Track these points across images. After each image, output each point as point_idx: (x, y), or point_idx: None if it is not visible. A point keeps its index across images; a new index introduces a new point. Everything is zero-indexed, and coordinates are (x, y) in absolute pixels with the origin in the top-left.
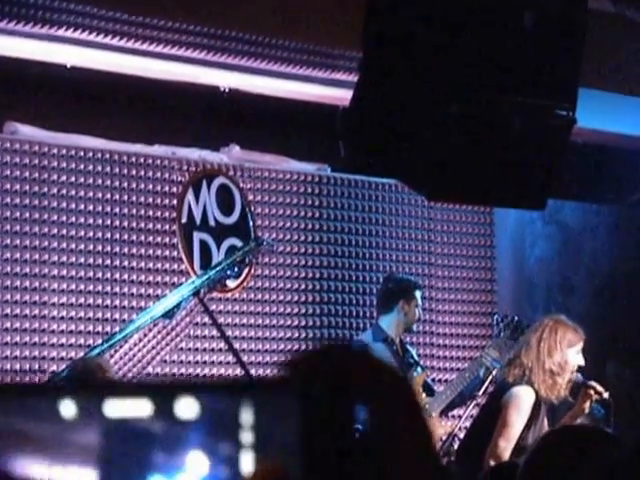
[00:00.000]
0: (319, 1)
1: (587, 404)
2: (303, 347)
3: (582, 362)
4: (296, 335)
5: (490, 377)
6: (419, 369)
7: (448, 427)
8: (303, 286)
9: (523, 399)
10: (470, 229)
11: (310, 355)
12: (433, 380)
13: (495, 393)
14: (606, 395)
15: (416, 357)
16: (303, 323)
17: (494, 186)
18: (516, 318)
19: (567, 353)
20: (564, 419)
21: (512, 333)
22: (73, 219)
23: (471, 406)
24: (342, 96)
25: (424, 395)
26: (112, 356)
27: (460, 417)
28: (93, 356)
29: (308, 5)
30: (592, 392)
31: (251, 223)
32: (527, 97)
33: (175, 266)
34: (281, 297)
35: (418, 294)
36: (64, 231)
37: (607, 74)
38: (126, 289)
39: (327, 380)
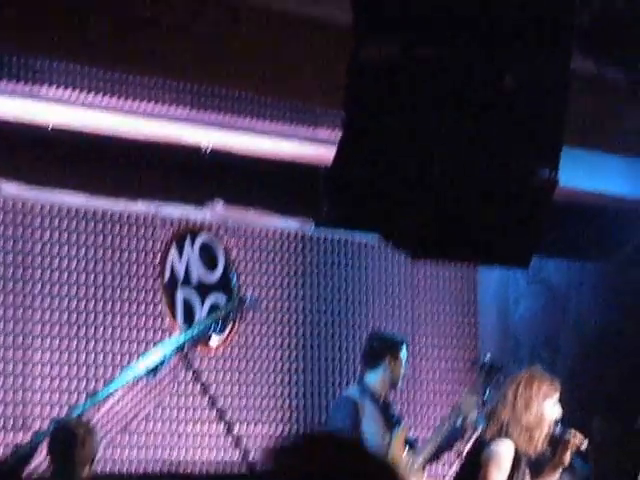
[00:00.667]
0: (301, 58)
1: (567, 455)
2: (285, 404)
3: (559, 414)
4: (280, 392)
5: (469, 425)
6: (400, 425)
7: None
8: (287, 343)
9: (502, 455)
10: (454, 285)
11: (293, 447)
12: (416, 439)
13: (474, 450)
14: (585, 446)
15: (396, 413)
16: (287, 379)
17: (478, 245)
18: (487, 360)
19: (544, 406)
20: (546, 471)
21: (487, 376)
22: (56, 277)
23: (456, 463)
24: (325, 153)
25: (407, 450)
26: (95, 413)
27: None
28: (75, 417)
29: (290, 62)
30: (571, 443)
31: (234, 280)
32: (510, 158)
33: (158, 323)
34: (265, 354)
35: (404, 351)
36: (47, 289)
37: (589, 133)
38: (109, 346)
39: (313, 473)
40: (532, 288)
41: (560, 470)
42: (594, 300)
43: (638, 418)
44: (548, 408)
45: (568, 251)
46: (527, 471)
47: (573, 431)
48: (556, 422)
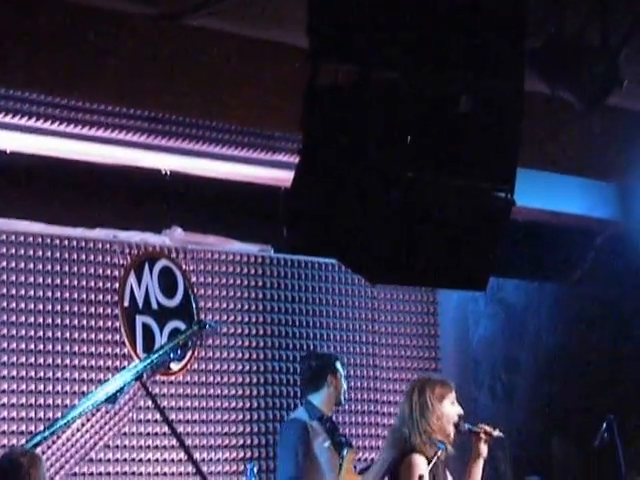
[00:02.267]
0: (259, 84)
1: (482, 446)
2: (246, 429)
3: (461, 411)
4: (240, 417)
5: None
6: (351, 447)
7: None
8: (247, 367)
9: (413, 468)
10: (413, 308)
11: None
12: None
13: (390, 467)
14: (497, 433)
15: (343, 436)
16: (247, 405)
17: (435, 268)
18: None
19: (442, 407)
20: (469, 466)
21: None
22: (13, 305)
23: None
24: (284, 177)
25: (357, 473)
26: (54, 442)
27: None
28: (20, 447)
29: (248, 88)
30: (482, 435)
31: (194, 305)
32: (466, 179)
33: (117, 350)
34: (225, 379)
35: (339, 365)
36: (4, 317)
37: (544, 154)
38: (68, 374)
39: None
40: (491, 308)
41: (481, 461)
42: (552, 319)
43: (597, 437)
44: (447, 407)
45: (525, 271)
46: (447, 473)
47: (480, 424)
48: (460, 417)
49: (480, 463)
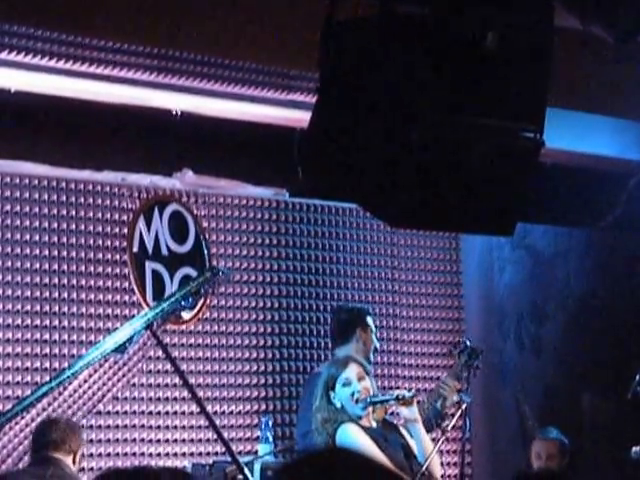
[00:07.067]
0: (274, 21)
1: (405, 412)
2: (261, 381)
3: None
4: (254, 368)
5: (453, 407)
6: None
7: None
8: (261, 316)
9: (352, 438)
10: (435, 255)
11: (298, 464)
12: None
13: None
14: (408, 394)
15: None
16: (262, 355)
17: (459, 212)
18: (469, 344)
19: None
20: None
21: (467, 360)
22: (18, 250)
23: (440, 441)
24: (300, 118)
25: None
26: (61, 393)
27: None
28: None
29: (262, 25)
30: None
31: (206, 251)
32: (492, 119)
33: (126, 298)
34: (238, 329)
35: (371, 321)
36: (8, 263)
37: (575, 93)
38: (75, 323)
39: None
40: (517, 255)
41: (416, 424)
42: (582, 267)
43: (629, 389)
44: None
45: (554, 216)
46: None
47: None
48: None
49: (417, 427)
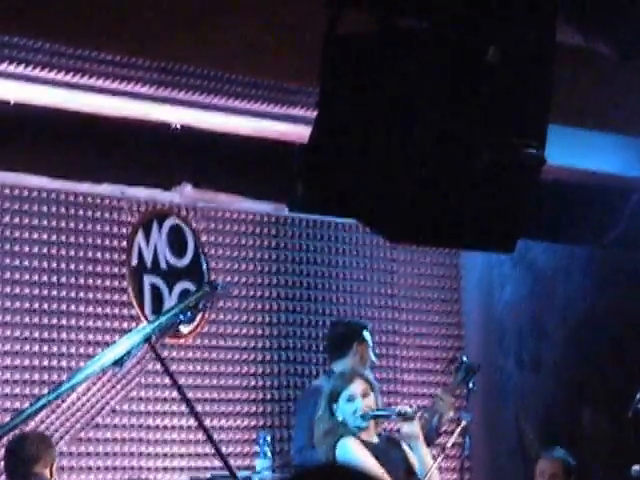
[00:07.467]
0: (274, 34)
1: (405, 428)
2: (259, 396)
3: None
4: (253, 383)
5: (450, 424)
6: None
7: None
8: (260, 332)
9: (351, 454)
10: (435, 271)
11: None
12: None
13: None
14: (408, 409)
15: None
16: (260, 370)
17: (459, 228)
18: (465, 359)
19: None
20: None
21: (465, 376)
22: (17, 262)
23: (439, 459)
24: (300, 132)
25: None
26: (59, 406)
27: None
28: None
29: (263, 38)
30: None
31: (205, 266)
32: (494, 135)
33: (125, 311)
34: (237, 343)
35: (368, 335)
36: (7, 275)
37: (577, 109)
38: (73, 335)
39: None
40: (518, 272)
41: (418, 441)
42: (583, 284)
43: (630, 407)
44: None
45: (555, 233)
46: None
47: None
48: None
49: (418, 444)
